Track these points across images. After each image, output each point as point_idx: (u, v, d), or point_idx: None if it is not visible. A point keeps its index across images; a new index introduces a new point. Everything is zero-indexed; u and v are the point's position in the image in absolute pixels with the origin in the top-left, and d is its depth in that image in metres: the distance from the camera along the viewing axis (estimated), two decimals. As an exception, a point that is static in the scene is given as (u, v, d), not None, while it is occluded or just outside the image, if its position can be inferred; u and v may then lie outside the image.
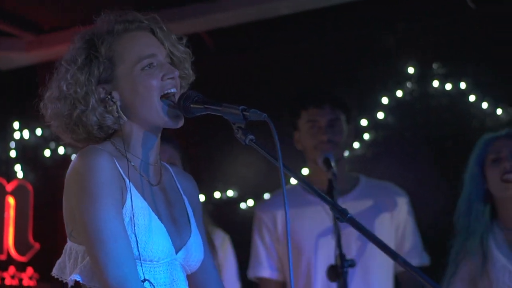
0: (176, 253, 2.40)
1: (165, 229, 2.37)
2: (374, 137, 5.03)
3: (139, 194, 2.36)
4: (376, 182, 4.05)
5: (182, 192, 2.54)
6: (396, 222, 3.88)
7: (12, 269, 5.36)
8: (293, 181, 4.96)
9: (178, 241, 2.42)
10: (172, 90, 2.38)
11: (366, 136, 5.02)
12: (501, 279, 3.48)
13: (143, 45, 2.40)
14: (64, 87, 2.37)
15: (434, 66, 4.93)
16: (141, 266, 2.30)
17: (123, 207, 2.30)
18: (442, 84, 4.90)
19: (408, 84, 4.96)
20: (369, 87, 5.02)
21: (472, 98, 4.82)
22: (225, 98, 5.08)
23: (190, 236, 2.46)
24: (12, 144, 5.66)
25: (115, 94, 2.38)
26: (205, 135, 5.42)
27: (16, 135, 5.64)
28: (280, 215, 3.92)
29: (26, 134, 5.63)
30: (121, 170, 2.34)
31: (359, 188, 3.94)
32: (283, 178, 2.10)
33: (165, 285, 2.37)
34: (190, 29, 5.07)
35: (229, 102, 2.32)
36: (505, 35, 4.70)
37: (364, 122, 5.00)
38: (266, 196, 4.97)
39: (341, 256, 3.43)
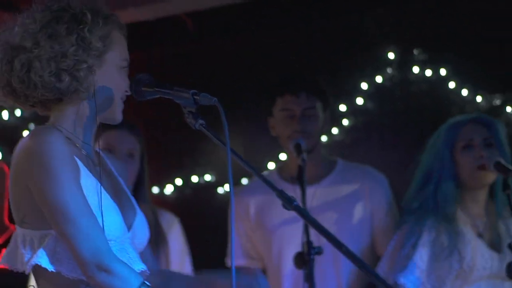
0: (128, 231, 2.41)
1: (117, 207, 2.38)
2: (353, 123, 5.00)
3: (89, 172, 2.36)
4: (355, 166, 4.02)
5: (116, 174, 2.55)
6: (374, 205, 3.86)
7: (-15, 249, 5.34)
8: (271, 166, 4.96)
9: (127, 220, 2.43)
10: (127, 94, 2.45)
11: (345, 122, 5.00)
12: (475, 260, 3.47)
13: (125, 47, 2.46)
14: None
15: (415, 52, 4.90)
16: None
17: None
18: (422, 70, 4.88)
19: (388, 70, 4.94)
20: (349, 72, 5.00)
21: (452, 85, 4.80)
22: (207, 82, 5.13)
23: (136, 215, 2.47)
24: (-10, 125, 5.63)
25: (98, 72, 2.38)
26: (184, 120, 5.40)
27: (-5, 116, 5.60)
28: (252, 203, 3.89)
29: (5, 114, 5.59)
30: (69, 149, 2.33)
31: (336, 173, 3.91)
32: (230, 162, 2.08)
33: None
34: (170, 11, 5.03)
35: (195, 86, 2.31)
36: (485, 23, 4.67)
37: (343, 108, 4.97)
38: (244, 181, 4.94)
39: (308, 243, 3.40)
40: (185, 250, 3.95)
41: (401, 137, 4.88)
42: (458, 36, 4.76)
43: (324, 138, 5.02)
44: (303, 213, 1.95)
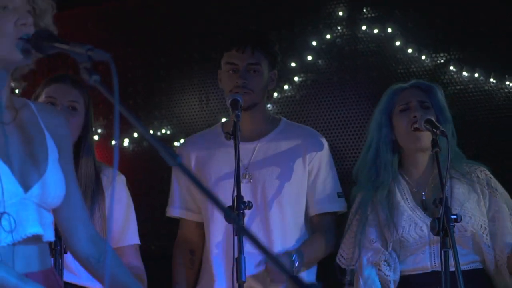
0: (26, 191, 2.37)
1: (8, 169, 2.34)
2: (303, 80, 5.04)
3: None
4: (297, 126, 4.01)
5: (44, 128, 2.51)
6: (311, 165, 3.84)
7: None
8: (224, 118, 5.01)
9: (31, 179, 2.39)
10: (24, 37, 2.36)
11: (295, 78, 5.03)
12: (407, 229, 3.49)
13: None
14: None
15: (364, 10, 4.93)
16: None
17: None
18: (370, 28, 4.91)
19: (338, 28, 4.96)
20: (299, 29, 5.03)
21: (398, 43, 4.85)
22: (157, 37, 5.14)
23: (45, 173, 2.42)
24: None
25: None
26: (144, 73, 5.46)
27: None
28: (194, 156, 3.92)
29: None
30: None
31: (277, 131, 3.89)
32: (117, 120, 2.12)
33: (13, 225, 2.33)
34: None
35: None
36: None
37: (293, 64, 5.01)
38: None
39: (238, 198, 3.41)
40: (126, 206, 3.80)
41: (349, 95, 4.92)
42: (406, -5, 4.81)
43: (275, 94, 5.08)
44: (186, 171, 2.02)
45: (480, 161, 3.70)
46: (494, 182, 3.60)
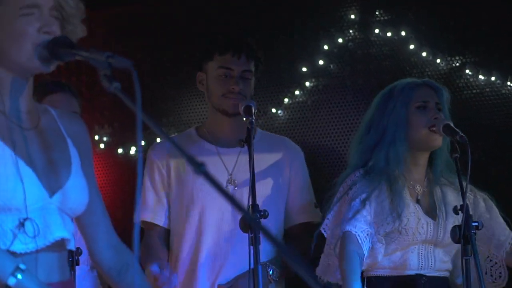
0: (51, 196, 2.33)
1: (33, 174, 2.30)
2: (314, 84, 4.99)
3: (1, 142, 2.29)
4: (272, 136, 4.01)
5: (66, 135, 2.47)
6: (290, 175, 3.84)
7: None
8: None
9: (55, 184, 2.35)
10: (41, 44, 2.31)
11: (306, 83, 4.98)
12: (411, 222, 3.48)
13: None
14: None
15: (377, 13, 4.87)
16: (6, 215, 2.24)
17: None
18: (383, 31, 4.85)
19: (350, 31, 4.91)
20: (310, 33, 4.97)
21: (412, 46, 4.78)
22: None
23: (68, 179, 2.39)
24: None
25: None
26: (151, 79, 5.41)
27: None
28: (171, 161, 3.81)
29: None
30: None
31: (256, 138, 3.80)
32: (140, 128, 2.06)
33: (37, 229, 2.29)
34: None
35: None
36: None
37: (304, 69, 4.95)
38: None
39: (253, 206, 3.38)
40: None
41: (362, 99, 4.87)
42: (419, -3, 4.77)
43: (286, 100, 5.02)
44: (210, 178, 1.93)
45: (499, 164, 3.64)
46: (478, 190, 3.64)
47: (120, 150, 5.41)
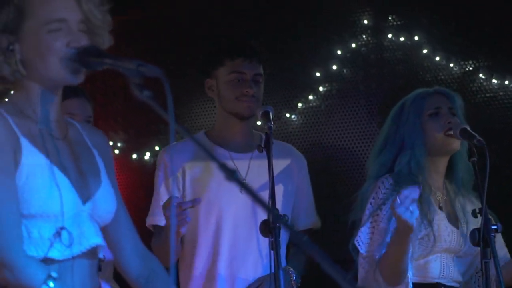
0: (84, 204, 2.37)
1: (68, 182, 2.33)
2: (328, 89, 5.00)
3: (36, 150, 2.33)
4: (278, 142, 4.00)
5: (91, 146, 2.51)
6: (296, 183, 3.85)
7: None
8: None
9: (86, 193, 2.39)
10: (69, 55, 2.33)
11: (320, 88, 4.99)
12: (443, 228, 3.48)
13: (57, 6, 2.35)
14: None
15: (389, 18, 4.89)
16: (44, 222, 2.27)
17: (18, 168, 2.27)
18: (396, 36, 4.86)
19: (363, 36, 4.92)
20: (324, 38, 4.98)
21: (425, 51, 4.80)
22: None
23: (99, 188, 2.43)
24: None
25: (16, 47, 2.34)
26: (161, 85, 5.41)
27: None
28: (187, 165, 3.80)
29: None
30: (16, 129, 2.31)
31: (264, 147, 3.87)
32: (172, 136, 2.07)
33: (71, 238, 2.32)
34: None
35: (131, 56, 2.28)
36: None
37: (318, 74, 4.96)
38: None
39: (273, 211, 3.39)
40: None
41: (375, 104, 4.88)
42: (432, 2, 4.76)
43: (300, 105, 5.03)
44: (244, 186, 1.95)
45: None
46: None
47: (134, 156, 5.43)
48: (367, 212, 3.60)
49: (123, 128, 5.50)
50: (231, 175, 1.95)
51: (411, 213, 3.21)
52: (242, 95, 3.75)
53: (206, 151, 2.05)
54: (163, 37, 5.44)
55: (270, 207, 1.93)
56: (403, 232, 3.27)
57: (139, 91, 2.19)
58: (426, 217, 3.48)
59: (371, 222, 3.57)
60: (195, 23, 5.33)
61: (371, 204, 3.61)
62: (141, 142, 5.45)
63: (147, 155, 5.43)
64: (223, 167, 1.97)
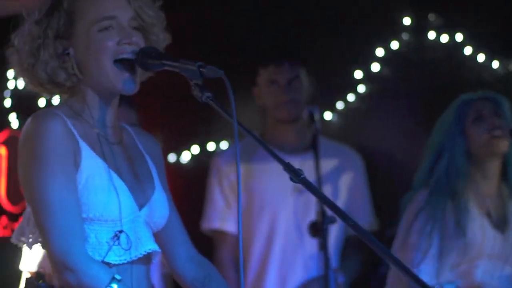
0: (140, 209, 2.37)
1: (125, 186, 2.34)
2: (369, 90, 4.97)
3: (94, 154, 2.33)
4: (333, 144, 4.05)
5: (144, 151, 2.51)
6: (349, 185, 3.87)
7: (4, 220, 5.35)
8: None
9: (142, 198, 2.39)
10: (128, 56, 2.33)
11: (360, 88, 4.96)
12: (477, 235, 3.46)
13: (106, 5, 2.35)
14: (16, 41, 2.34)
15: (430, 17, 4.85)
16: (102, 226, 2.27)
17: (78, 170, 2.27)
18: (438, 35, 4.82)
19: (404, 36, 4.89)
20: (364, 38, 4.95)
21: (468, 50, 4.76)
22: (193, 49, 5.09)
23: (153, 193, 2.43)
24: (7, 93, 5.61)
25: (71, 51, 2.34)
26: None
27: (11, 84, 5.58)
28: (242, 169, 3.84)
29: (21, 83, 5.58)
30: (75, 132, 2.31)
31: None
32: (236, 137, 2.07)
33: (130, 242, 2.32)
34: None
35: (188, 58, 2.26)
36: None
37: (358, 74, 4.93)
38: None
39: (322, 212, 3.41)
40: None
41: (416, 104, 4.84)
42: (474, 0, 4.71)
43: (340, 105, 5.00)
44: (310, 186, 1.94)
45: None
46: None
47: (171, 156, 5.40)
48: (401, 223, 3.60)
49: (160, 128, 5.47)
50: (297, 176, 1.95)
51: None
52: (280, 102, 3.81)
53: (270, 152, 2.05)
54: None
55: (340, 211, 1.91)
56: None
57: (200, 92, 2.19)
58: (459, 225, 3.45)
59: (402, 235, 3.56)
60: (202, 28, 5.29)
61: (406, 216, 3.60)
62: (178, 141, 5.42)
63: (184, 155, 5.39)
64: (288, 168, 1.96)
